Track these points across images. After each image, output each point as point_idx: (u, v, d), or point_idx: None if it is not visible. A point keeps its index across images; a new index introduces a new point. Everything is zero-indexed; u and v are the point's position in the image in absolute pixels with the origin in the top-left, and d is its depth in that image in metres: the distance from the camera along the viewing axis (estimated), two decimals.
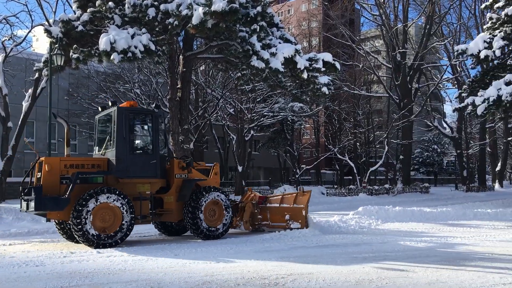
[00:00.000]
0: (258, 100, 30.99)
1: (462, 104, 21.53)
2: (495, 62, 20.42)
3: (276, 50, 17.78)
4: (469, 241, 10.29)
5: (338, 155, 38.60)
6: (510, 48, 20.29)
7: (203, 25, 15.44)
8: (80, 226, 9.14)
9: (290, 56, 17.84)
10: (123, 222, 9.58)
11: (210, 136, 36.85)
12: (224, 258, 8.11)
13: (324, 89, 19.51)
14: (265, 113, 32.47)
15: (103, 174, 9.99)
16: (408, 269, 7.19)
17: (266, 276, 6.66)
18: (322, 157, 45.99)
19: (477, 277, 6.64)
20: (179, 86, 19.78)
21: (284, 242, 10.05)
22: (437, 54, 46.27)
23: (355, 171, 35.76)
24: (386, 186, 33.82)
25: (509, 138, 42.23)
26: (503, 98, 18.34)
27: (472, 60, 21.40)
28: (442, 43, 39.02)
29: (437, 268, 7.25)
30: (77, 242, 10.03)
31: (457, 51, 21.38)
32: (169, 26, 16.14)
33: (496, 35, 19.82)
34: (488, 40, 20.02)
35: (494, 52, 19.55)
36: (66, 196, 9.22)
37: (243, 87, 27.46)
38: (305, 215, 11.67)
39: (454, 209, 17.65)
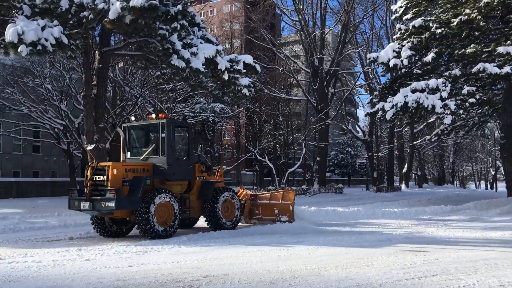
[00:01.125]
0: (178, 100, 30.54)
1: (373, 109, 22.69)
2: (403, 70, 21.74)
3: (197, 50, 17.64)
4: (377, 239, 10.87)
5: (258, 156, 39.14)
6: (416, 58, 21.74)
7: (121, 21, 14.92)
8: (147, 221, 10.52)
9: (211, 57, 17.80)
10: (175, 218, 11.12)
11: None
12: (138, 262, 7.86)
13: (245, 90, 19.69)
14: (186, 113, 32.08)
15: (158, 177, 11.48)
16: (320, 267, 7.43)
17: (181, 279, 6.55)
18: (243, 158, 46.40)
19: (383, 273, 7.02)
20: (94, 82, 18.95)
21: (200, 243, 9.97)
22: (352, 61, 48.58)
23: (274, 172, 36.46)
24: (304, 186, 34.85)
25: (415, 142, 45.41)
26: (409, 104, 19.60)
27: (383, 68, 22.62)
28: (356, 51, 41.03)
29: (347, 266, 7.57)
30: (109, 237, 11.42)
31: (369, 59, 22.52)
32: (84, 20, 15.39)
33: (404, 45, 21.12)
34: (397, 49, 21.29)
35: (402, 61, 20.82)
36: (138, 197, 10.61)
37: (163, 86, 26.94)
38: (292, 210, 13.53)
39: (364, 208, 18.64)
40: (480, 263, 7.76)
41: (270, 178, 46.86)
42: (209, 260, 8.06)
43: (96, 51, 19.40)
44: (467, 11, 19.55)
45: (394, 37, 23.41)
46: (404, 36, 21.78)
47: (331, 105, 40.92)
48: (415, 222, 14.90)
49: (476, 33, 20.89)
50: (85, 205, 10.71)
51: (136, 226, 10.94)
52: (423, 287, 6.23)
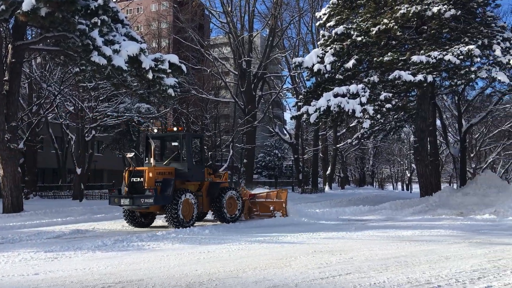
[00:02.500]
0: (101, 98, 29.33)
1: (299, 113, 23.21)
2: (326, 75, 22.43)
3: (120, 47, 17.09)
4: (297, 240, 11.07)
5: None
6: (339, 64, 22.56)
7: (36, 13, 14.09)
8: (175, 214, 12.94)
9: (135, 55, 17.31)
10: (194, 212, 13.52)
11: (46, 135, 33.77)
12: (46, 269, 7.36)
13: (170, 91, 19.35)
14: (109, 113, 30.90)
15: (179, 179, 13.79)
16: (239, 269, 7.40)
17: (91, 286, 6.22)
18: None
19: (299, 273, 7.12)
20: (6, 78, 17.76)
21: (118, 247, 9.58)
22: (279, 65, 49.45)
23: None
24: None
25: (338, 145, 47.08)
26: (331, 108, 20.27)
27: (307, 73, 23.24)
28: (283, 55, 41.81)
29: (266, 267, 7.61)
30: (138, 227, 13.88)
31: (295, 63, 23.02)
32: None
33: (328, 51, 21.83)
34: (321, 55, 21.95)
35: (325, 66, 21.50)
36: (170, 194, 13.04)
37: (85, 84, 25.78)
38: (285, 207, 15.70)
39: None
40: (391, 261, 8.12)
41: None
42: (124, 265, 7.74)
43: (9, 45, 18.17)
44: (385, 20, 20.58)
45: (318, 43, 24.11)
46: (328, 43, 22.50)
47: (258, 108, 41.34)
48: (335, 222, 15.38)
49: (393, 42, 22.06)
50: (125, 201, 13.18)
51: (166, 217, 13.23)
52: (337, 286, 6.39)
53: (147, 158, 14.47)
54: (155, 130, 15.22)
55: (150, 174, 13.22)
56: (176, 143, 15.01)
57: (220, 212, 14.48)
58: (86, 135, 28.61)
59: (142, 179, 13.25)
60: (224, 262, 8.00)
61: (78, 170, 27.83)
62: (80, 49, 16.24)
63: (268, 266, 7.68)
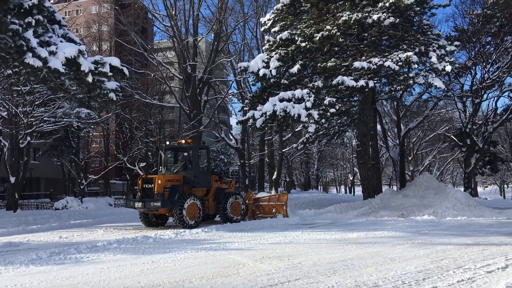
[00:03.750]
0: (37, 103, 27.85)
1: (244, 118, 23.11)
2: (272, 80, 22.51)
3: (57, 48, 16.21)
4: (245, 246, 10.89)
5: (128, 164, 37.45)
6: (284, 69, 22.71)
7: None
8: (181, 216, 14.82)
9: (73, 57, 16.47)
10: (199, 214, 15.44)
11: None
12: None
13: (112, 95, 18.58)
14: (46, 118, 29.40)
15: (187, 185, 15.81)
16: (185, 279, 7.12)
17: None
18: (111, 166, 44.13)
19: (248, 281, 6.95)
20: None
21: (54, 260, 8.96)
22: (225, 70, 49.25)
23: None
24: None
25: (283, 150, 47.49)
26: (277, 113, 20.32)
27: (253, 78, 23.21)
28: (228, 60, 41.65)
29: (213, 276, 7.37)
30: (151, 226, 16.02)
31: (240, 68, 22.93)
32: None
33: (273, 56, 21.91)
34: (266, 60, 21.99)
35: (271, 71, 21.53)
36: (176, 199, 14.98)
37: (19, 88, 24.38)
38: (285, 209, 17.59)
39: None
40: (339, 265, 8.13)
41: None
42: (60, 279, 7.23)
43: None
44: (328, 27, 20.94)
45: (264, 48, 24.16)
46: (273, 48, 22.58)
47: (204, 113, 40.87)
48: (281, 227, 15.33)
49: (336, 48, 22.50)
50: (138, 204, 15.15)
51: (173, 219, 15.29)
52: None
53: (160, 167, 16.82)
54: (168, 142, 17.48)
55: (159, 181, 15.16)
56: (185, 154, 16.96)
57: (225, 214, 16.45)
58: (21, 141, 27.06)
59: (152, 185, 15.17)
60: (169, 273, 7.68)
61: (12, 179, 26.25)
62: (13, 50, 15.24)
63: (215, 274, 7.45)
